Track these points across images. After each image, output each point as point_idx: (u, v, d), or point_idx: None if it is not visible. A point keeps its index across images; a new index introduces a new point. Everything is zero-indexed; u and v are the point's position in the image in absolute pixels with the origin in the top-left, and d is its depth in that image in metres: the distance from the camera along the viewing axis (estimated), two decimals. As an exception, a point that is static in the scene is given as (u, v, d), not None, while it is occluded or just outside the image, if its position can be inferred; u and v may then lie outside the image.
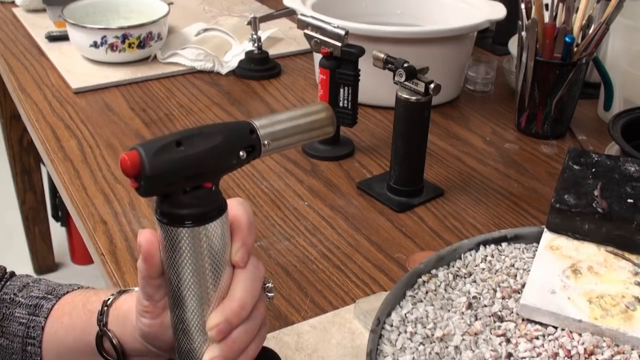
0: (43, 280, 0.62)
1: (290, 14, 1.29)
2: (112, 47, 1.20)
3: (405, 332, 0.55)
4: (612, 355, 0.52)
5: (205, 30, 1.36)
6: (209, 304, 0.46)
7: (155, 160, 0.41)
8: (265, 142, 0.46)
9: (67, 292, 0.60)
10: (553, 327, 0.55)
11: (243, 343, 0.47)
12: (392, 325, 0.55)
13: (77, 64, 1.24)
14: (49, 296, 0.60)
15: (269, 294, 0.51)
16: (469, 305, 0.57)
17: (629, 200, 0.61)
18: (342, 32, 0.90)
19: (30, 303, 0.59)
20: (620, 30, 1.03)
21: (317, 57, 0.99)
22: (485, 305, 0.58)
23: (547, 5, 0.97)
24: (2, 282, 0.62)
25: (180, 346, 0.47)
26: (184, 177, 0.42)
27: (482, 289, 0.59)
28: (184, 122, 1.06)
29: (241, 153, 0.45)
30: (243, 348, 0.47)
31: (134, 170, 0.41)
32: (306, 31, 0.94)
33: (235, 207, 0.47)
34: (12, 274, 0.64)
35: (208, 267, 0.45)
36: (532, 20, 0.95)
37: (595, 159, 0.68)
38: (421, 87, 0.81)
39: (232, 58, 1.26)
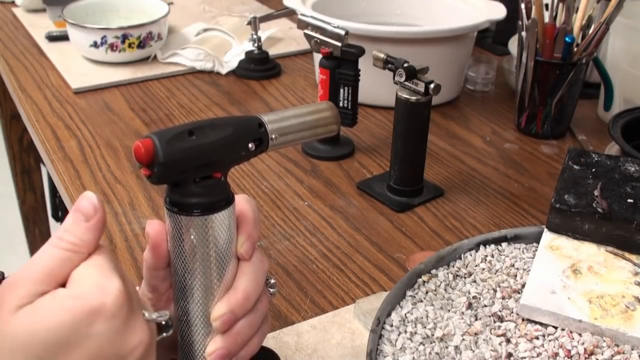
0: None
1: (290, 14, 1.29)
2: (112, 47, 1.20)
3: (405, 332, 0.55)
4: (612, 355, 0.52)
5: (205, 30, 1.36)
6: (213, 296, 0.46)
7: (168, 148, 0.42)
8: (273, 137, 0.47)
9: None
10: (553, 327, 0.55)
11: (246, 335, 0.47)
12: (392, 325, 0.55)
13: (77, 64, 1.24)
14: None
15: (271, 290, 0.51)
16: (469, 305, 0.57)
17: (629, 200, 0.62)
18: (342, 32, 0.90)
19: None
20: (620, 30, 1.03)
21: (317, 57, 0.99)
22: (485, 305, 0.58)
23: (547, 5, 0.97)
24: None
25: (184, 339, 0.48)
26: (195, 166, 0.44)
27: (482, 289, 0.59)
28: (184, 122, 1.06)
29: (250, 145, 0.46)
30: (246, 341, 0.48)
31: (148, 158, 0.42)
32: (306, 31, 0.94)
33: (242, 202, 0.48)
34: None
35: (214, 257, 0.46)
36: (532, 20, 0.95)
37: (595, 159, 0.68)
38: (421, 87, 0.81)
39: (232, 58, 1.26)
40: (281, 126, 0.48)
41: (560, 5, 0.96)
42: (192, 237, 0.45)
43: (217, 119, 0.45)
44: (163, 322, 0.44)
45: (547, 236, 0.63)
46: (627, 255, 0.60)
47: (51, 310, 0.38)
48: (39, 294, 0.38)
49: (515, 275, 0.61)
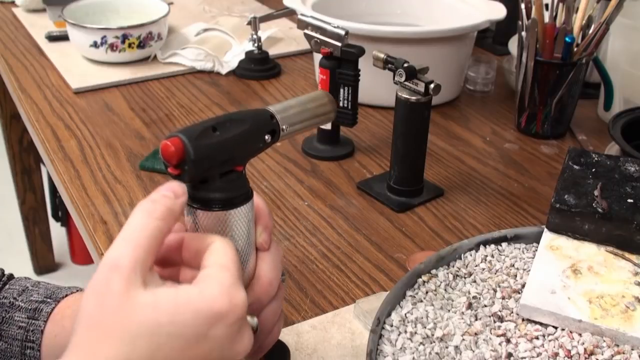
0: (42, 284, 0.62)
1: (290, 14, 1.29)
2: (112, 47, 1.20)
3: (405, 332, 0.55)
4: (612, 355, 0.52)
5: (205, 30, 1.36)
6: None
7: (198, 145, 0.43)
8: (284, 127, 0.49)
9: (67, 295, 0.60)
10: (553, 327, 0.55)
11: (271, 323, 0.49)
12: (392, 325, 0.55)
13: (77, 64, 1.24)
14: (48, 300, 0.60)
15: (282, 277, 0.53)
16: (469, 305, 0.57)
17: (629, 200, 0.62)
18: (342, 32, 0.90)
19: (29, 307, 0.59)
20: (620, 30, 1.03)
21: (317, 57, 0.99)
22: (485, 305, 0.58)
23: (547, 5, 0.97)
24: (0, 285, 0.62)
25: None
26: (221, 161, 0.45)
27: (482, 289, 0.59)
28: (184, 122, 1.06)
29: (266, 137, 0.47)
30: (270, 329, 0.49)
31: (178, 157, 0.42)
32: (306, 31, 0.94)
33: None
34: (10, 276, 0.64)
35: (239, 249, 0.47)
36: (532, 20, 0.95)
37: (595, 159, 0.68)
38: (421, 87, 0.81)
39: (232, 58, 1.26)
40: (288, 116, 0.49)
41: (560, 5, 0.96)
42: (221, 231, 0.45)
43: (233, 114, 0.46)
44: (254, 328, 0.45)
45: (547, 236, 0.63)
46: (627, 255, 0.60)
47: (178, 306, 0.39)
48: (144, 271, 0.40)
49: (515, 275, 0.61)
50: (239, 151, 0.46)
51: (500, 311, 0.57)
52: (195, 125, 0.44)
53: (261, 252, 0.49)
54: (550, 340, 0.54)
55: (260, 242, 0.48)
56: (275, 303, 0.49)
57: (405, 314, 0.56)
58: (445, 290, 0.60)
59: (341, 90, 0.93)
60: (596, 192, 0.63)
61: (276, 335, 0.50)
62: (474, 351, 0.53)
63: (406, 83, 0.82)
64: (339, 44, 0.91)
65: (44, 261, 2.04)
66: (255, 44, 1.23)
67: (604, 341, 0.53)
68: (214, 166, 0.44)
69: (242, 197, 0.46)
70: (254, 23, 1.23)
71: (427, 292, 0.59)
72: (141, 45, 1.22)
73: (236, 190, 0.46)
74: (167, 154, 0.42)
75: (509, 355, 0.52)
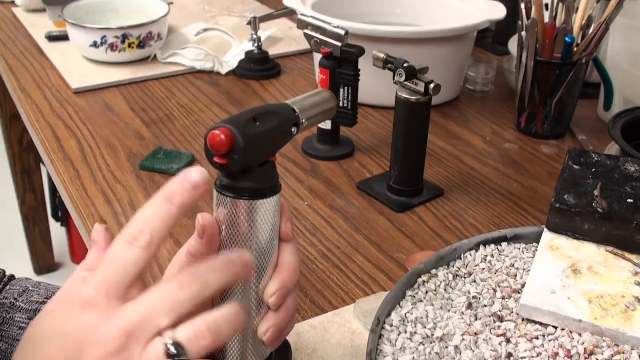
0: (43, 285, 0.62)
1: (290, 14, 1.29)
2: (112, 47, 1.20)
3: (405, 332, 0.55)
4: (612, 355, 0.52)
5: (205, 30, 1.36)
6: (266, 276, 0.49)
7: (246, 134, 0.44)
8: (303, 121, 0.50)
9: None
10: (553, 327, 0.55)
11: (292, 310, 0.50)
12: (392, 325, 0.55)
13: (77, 64, 1.24)
14: (48, 301, 0.60)
15: None
16: (469, 305, 0.57)
17: (629, 200, 0.62)
18: (342, 32, 0.90)
19: (30, 308, 0.59)
20: (620, 30, 1.03)
21: (317, 57, 0.99)
22: (485, 305, 0.58)
23: (547, 5, 0.97)
24: (1, 286, 0.62)
25: None
26: (263, 151, 0.46)
27: (482, 289, 0.59)
28: (184, 122, 1.06)
29: (293, 129, 0.49)
30: (291, 317, 0.50)
31: (228, 145, 0.43)
32: (306, 31, 0.94)
33: None
34: (11, 277, 0.64)
35: (271, 237, 0.48)
36: (532, 20, 0.95)
37: (595, 159, 0.68)
38: (421, 87, 0.81)
39: (232, 58, 1.26)
40: (304, 110, 0.51)
41: (560, 5, 0.96)
42: (260, 219, 0.47)
43: (263, 107, 0.48)
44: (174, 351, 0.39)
45: (547, 236, 0.63)
46: (627, 255, 0.60)
47: None
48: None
49: (515, 275, 0.61)
50: (276, 142, 0.47)
51: (500, 311, 0.57)
52: (237, 116, 0.45)
53: (284, 242, 0.50)
54: (550, 340, 0.54)
55: (285, 231, 0.50)
56: (295, 293, 0.50)
57: (405, 314, 0.56)
58: (445, 290, 0.60)
59: (341, 90, 0.93)
60: (596, 192, 0.63)
61: (293, 326, 0.51)
62: (474, 351, 0.53)
63: (406, 83, 0.82)
64: (339, 44, 0.91)
65: (44, 261, 2.04)
66: (255, 44, 1.23)
67: (604, 341, 0.53)
68: (257, 155, 0.45)
69: (276, 186, 0.48)
70: (254, 23, 1.23)
71: (427, 292, 0.59)
72: (141, 45, 1.22)
73: (272, 179, 0.47)
74: (216, 143, 0.43)
75: (509, 355, 0.52)
